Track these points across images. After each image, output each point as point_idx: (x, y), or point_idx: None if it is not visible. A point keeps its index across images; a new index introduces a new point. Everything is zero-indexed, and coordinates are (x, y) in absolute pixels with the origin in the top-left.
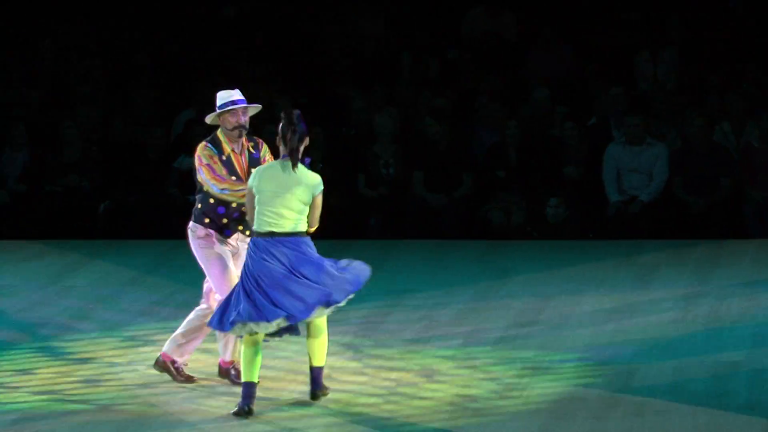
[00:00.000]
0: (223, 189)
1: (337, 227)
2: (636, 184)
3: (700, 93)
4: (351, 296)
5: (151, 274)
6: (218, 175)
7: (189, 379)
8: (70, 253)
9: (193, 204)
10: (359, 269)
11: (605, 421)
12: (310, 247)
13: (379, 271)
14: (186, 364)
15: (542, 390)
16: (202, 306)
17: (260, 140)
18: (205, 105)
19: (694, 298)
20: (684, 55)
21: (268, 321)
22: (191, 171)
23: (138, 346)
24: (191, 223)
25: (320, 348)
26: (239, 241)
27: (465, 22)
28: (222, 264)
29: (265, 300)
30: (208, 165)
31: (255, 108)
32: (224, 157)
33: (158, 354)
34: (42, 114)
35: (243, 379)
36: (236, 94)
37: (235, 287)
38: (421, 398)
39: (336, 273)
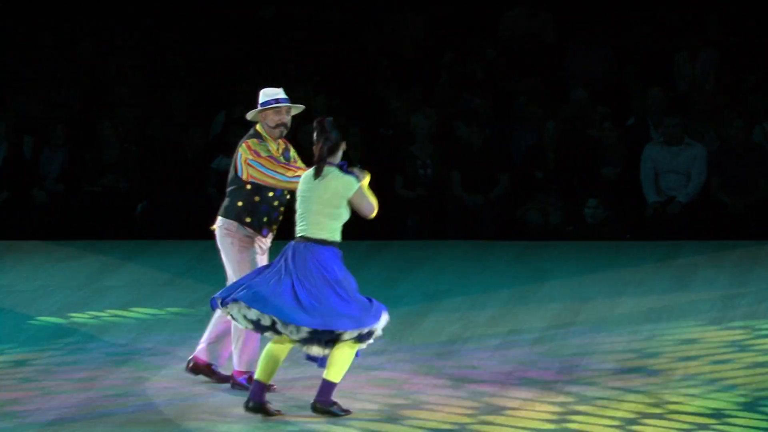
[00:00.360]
0: (295, 176)
1: (374, 228)
2: (674, 185)
3: (739, 93)
4: (350, 332)
5: (187, 275)
6: (282, 164)
7: (225, 380)
8: (107, 253)
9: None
10: (375, 308)
11: (644, 427)
12: (333, 260)
13: (416, 271)
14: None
15: (578, 395)
16: None
17: (287, 143)
18: (243, 105)
19: (732, 299)
20: (723, 55)
21: (262, 312)
22: (229, 171)
23: (175, 347)
24: (223, 221)
25: (339, 362)
26: (269, 240)
27: (503, 23)
28: (248, 264)
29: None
30: (269, 157)
31: (297, 108)
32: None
33: (191, 357)
34: (80, 114)
35: (255, 376)
36: (281, 93)
37: (252, 273)
38: (455, 401)
39: (341, 300)
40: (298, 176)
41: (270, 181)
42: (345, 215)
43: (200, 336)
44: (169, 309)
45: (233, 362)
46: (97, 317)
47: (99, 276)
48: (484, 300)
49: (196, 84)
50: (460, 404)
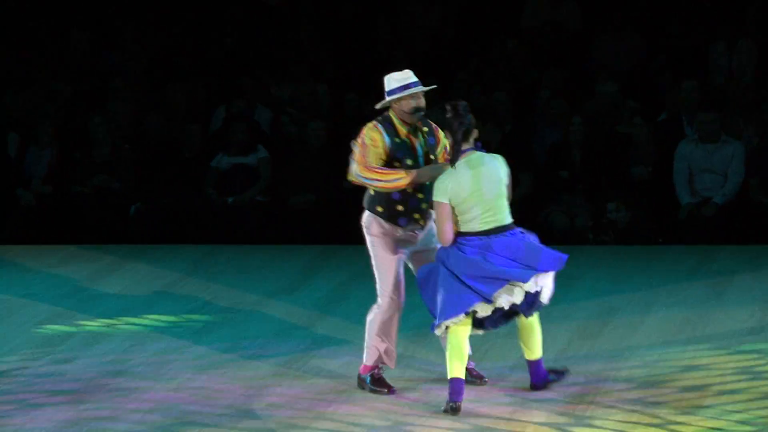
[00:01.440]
0: (365, 176)
1: None
2: (709, 185)
3: None
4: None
5: (185, 282)
6: (366, 160)
7: (390, 389)
8: (98, 259)
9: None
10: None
11: None
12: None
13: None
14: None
15: (605, 412)
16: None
17: (434, 125)
18: (246, 99)
19: None
20: (762, 45)
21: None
22: (229, 171)
23: (171, 358)
24: (364, 215)
25: (531, 339)
26: (416, 230)
27: (525, 10)
28: (395, 270)
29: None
30: (363, 145)
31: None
32: (398, 140)
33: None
34: (70, 109)
35: (451, 375)
36: (411, 75)
37: (436, 288)
38: (460, 424)
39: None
40: (367, 178)
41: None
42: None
43: (198, 346)
44: (164, 318)
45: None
46: (86, 327)
47: (89, 283)
48: None
49: (194, 76)
50: (478, 421)
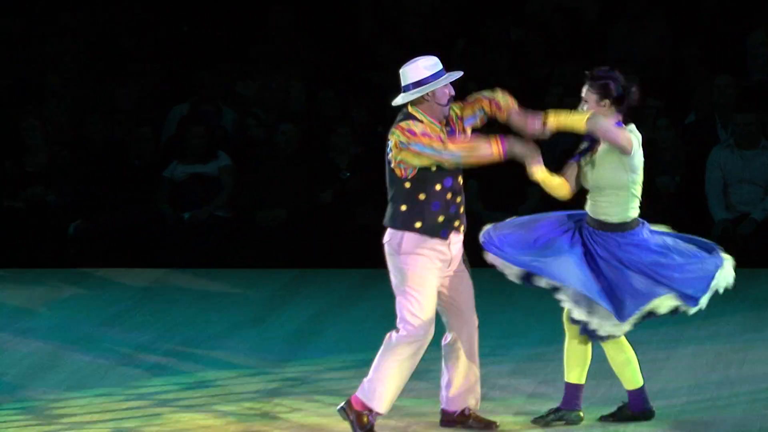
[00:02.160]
0: (458, 152)
1: (367, 253)
2: (747, 199)
3: None
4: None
5: (133, 313)
6: (440, 136)
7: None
8: (31, 285)
9: (193, 222)
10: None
11: None
12: None
13: None
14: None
15: None
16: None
17: (457, 105)
18: (206, 98)
19: None
20: None
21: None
22: (186, 181)
23: (114, 403)
24: (392, 232)
25: (621, 370)
26: (453, 244)
27: None
28: (433, 292)
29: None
30: (425, 134)
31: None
32: None
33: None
34: None
35: (569, 380)
36: (438, 62)
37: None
38: None
39: None
40: (460, 152)
41: (426, 162)
42: None
43: (145, 391)
44: (108, 356)
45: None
46: (16, 366)
47: (20, 315)
48: (509, 343)
49: (144, 70)
50: None
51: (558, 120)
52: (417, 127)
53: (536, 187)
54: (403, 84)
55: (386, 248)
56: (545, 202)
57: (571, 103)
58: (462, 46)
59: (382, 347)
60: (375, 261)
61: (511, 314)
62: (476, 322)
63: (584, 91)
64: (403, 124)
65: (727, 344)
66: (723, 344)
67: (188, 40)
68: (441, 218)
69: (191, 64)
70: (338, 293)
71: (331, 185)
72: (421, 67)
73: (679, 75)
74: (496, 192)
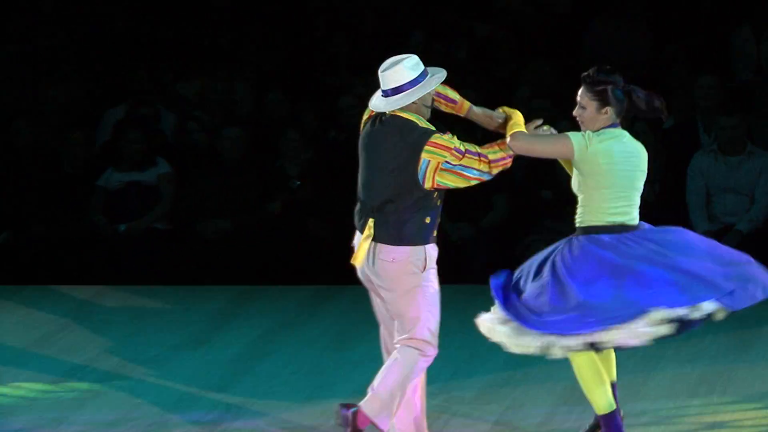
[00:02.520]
0: (497, 169)
1: (320, 269)
2: (732, 209)
3: None
4: None
5: (63, 334)
6: (484, 157)
7: None
8: None
9: (128, 233)
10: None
11: None
12: None
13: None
14: None
15: None
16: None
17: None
18: (143, 100)
19: None
20: None
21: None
22: (122, 190)
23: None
24: (411, 249)
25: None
26: None
27: None
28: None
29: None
30: (469, 154)
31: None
32: None
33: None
34: None
35: (600, 412)
36: (419, 60)
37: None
38: None
39: None
40: (501, 159)
41: (471, 183)
42: None
43: (75, 422)
44: (34, 385)
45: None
46: None
47: None
48: (474, 366)
49: (75, 70)
50: None
51: (513, 117)
52: (454, 142)
53: (502, 198)
54: (384, 87)
55: (400, 267)
56: (512, 213)
57: (541, 105)
58: (419, 39)
59: (396, 363)
60: (327, 277)
61: (474, 335)
62: None
63: (581, 96)
64: (438, 140)
65: (709, 367)
66: (705, 367)
67: (123, 37)
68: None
69: (127, 63)
70: (287, 312)
71: (280, 195)
72: (405, 70)
73: (658, 75)
74: (460, 203)
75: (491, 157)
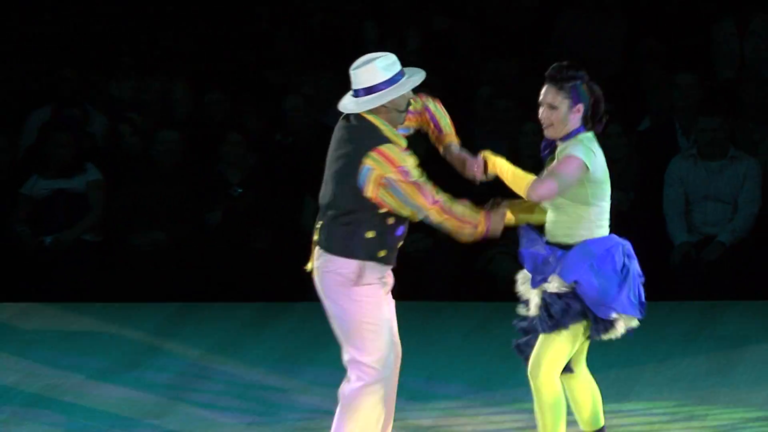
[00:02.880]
0: (439, 223)
1: (269, 283)
2: (713, 218)
3: None
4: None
5: None
6: (434, 197)
7: None
8: None
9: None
10: None
11: None
12: None
13: (325, 348)
14: None
15: None
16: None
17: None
18: (70, 102)
19: None
20: None
21: None
22: (48, 199)
23: None
24: (346, 261)
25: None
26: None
27: None
28: (390, 329)
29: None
30: (416, 184)
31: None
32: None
33: None
34: None
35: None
36: (397, 60)
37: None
38: None
39: None
40: (446, 223)
41: (405, 213)
42: None
43: None
44: None
45: None
46: None
47: None
48: (432, 390)
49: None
50: None
51: (501, 171)
52: (406, 162)
53: (464, 202)
54: (355, 87)
55: (332, 277)
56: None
57: (504, 105)
58: (372, 34)
59: (338, 408)
60: (272, 293)
61: (432, 356)
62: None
63: (550, 95)
64: (387, 151)
65: (689, 391)
66: (684, 391)
67: (51, 33)
68: (400, 244)
69: (54, 61)
70: (229, 331)
71: (221, 203)
72: (378, 69)
73: (633, 72)
74: None
75: (446, 206)
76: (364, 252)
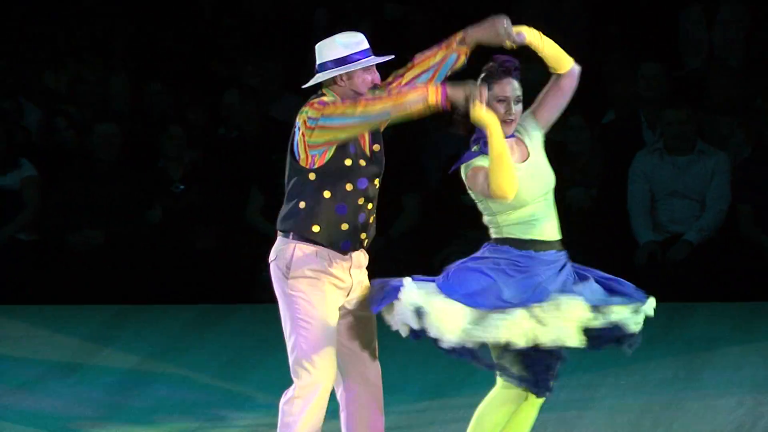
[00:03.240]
0: (376, 107)
1: (213, 284)
2: (680, 216)
3: None
4: None
5: None
6: (344, 103)
7: None
8: None
9: None
10: None
11: None
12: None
13: (271, 355)
14: None
15: None
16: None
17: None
18: (1, 92)
19: None
20: (756, 13)
21: None
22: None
23: None
24: (281, 245)
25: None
26: (354, 268)
27: None
28: (331, 333)
29: None
30: (334, 103)
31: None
32: None
33: None
34: None
35: None
36: (364, 40)
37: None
38: None
39: None
40: (383, 103)
41: (347, 132)
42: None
43: None
44: None
45: None
46: None
47: None
48: (385, 396)
49: None
50: None
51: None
52: (328, 99)
53: (413, 198)
54: (317, 63)
55: (272, 270)
56: (427, 219)
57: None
58: (323, 23)
59: (279, 417)
60: (217, 295)
61: (386, 361)
62: (379, 371)
63: (515, 89)
64: (313, 98)
65: (654, 396)
66: (649, 396)
67: None
68: (345, 226)
69: None
70: (171, 335)
71: (162, 201)
72: (337, 44)
73: (596, 64)
74: None
75: (373, 95)
76: (296, 225)
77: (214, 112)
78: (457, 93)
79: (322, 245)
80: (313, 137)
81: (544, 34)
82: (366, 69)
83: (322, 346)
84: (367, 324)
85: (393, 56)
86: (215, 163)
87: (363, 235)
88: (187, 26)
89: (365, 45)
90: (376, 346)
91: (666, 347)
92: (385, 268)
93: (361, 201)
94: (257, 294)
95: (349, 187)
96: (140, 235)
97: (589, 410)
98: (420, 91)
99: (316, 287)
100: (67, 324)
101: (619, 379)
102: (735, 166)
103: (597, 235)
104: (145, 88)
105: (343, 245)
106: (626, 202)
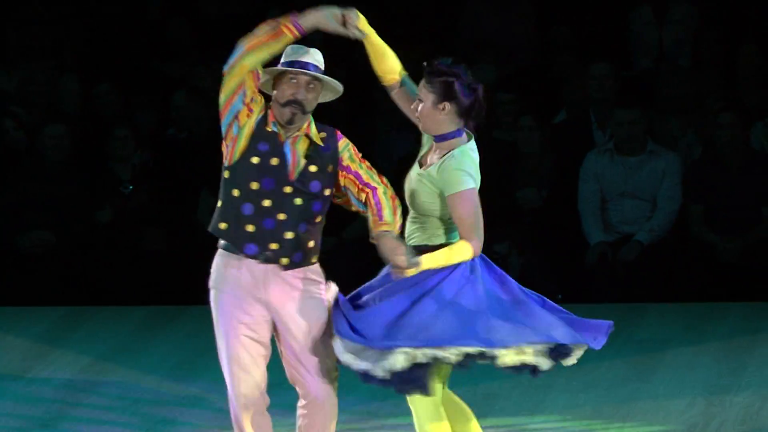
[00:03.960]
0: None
1: (164, 285)
2: (631, 216)
3: (731, 73)
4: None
5: None
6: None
7: None
8: None
9: None
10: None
11: None
12: None
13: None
14: None
15: None
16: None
17: (337, 131)
18: None
19: (723, 395)
20: (705, 13)
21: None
22: None
23: None
24: (217, 253)
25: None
26: (272, 285)
27: None
28: (236, 345)
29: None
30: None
31: (332, 87)
32: (268, 130)
33: None
34: None
35: None
36: (309, 55)
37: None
38: None
39: None
40: (243, 45)
41: (234, 75)
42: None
43: None
44: None
45: None
46: None
47: None
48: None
49: None
50: None
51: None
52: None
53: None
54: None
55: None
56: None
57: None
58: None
59: None
60: (167, 296)
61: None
62: (333, 404)
63: (420, 87)
64: None
65: (606, 398)
66: (601, 397)
67: None
68: (251, 227)
69: None
70: (121, 336)
71: (111, 201)
72: (284, 53)
73: (546, 62)
74: None
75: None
76: (213, 223)
77: (163, 113)
78: (315, 17)
79: (229, 242)
80: (224, 85)
81: (494, 34)
82: (290, 81)
83: (229, 366)
84: (319, 346)
85: (326, 75)
86: (165, 164)
87: (274, 245)
88: (137, 26)
89: (307, 58)
90: (331, 371)
91: (618, 348)
92: (338, 272)
93: (266, 203)
94: (208, 296)
95: (254, 185)
96: (90, 236)
97: (540, 410)
98: (273, 22)
99: (223, 294)
100: (16, 326)
101: (571, 380)
102: (686, 166)
103: (548, 235)
104: (94, 89)
105: (247, 248)
106: (577, 203)
